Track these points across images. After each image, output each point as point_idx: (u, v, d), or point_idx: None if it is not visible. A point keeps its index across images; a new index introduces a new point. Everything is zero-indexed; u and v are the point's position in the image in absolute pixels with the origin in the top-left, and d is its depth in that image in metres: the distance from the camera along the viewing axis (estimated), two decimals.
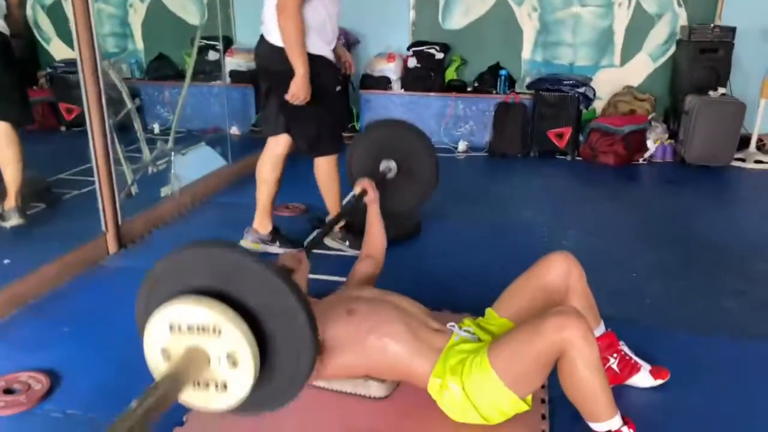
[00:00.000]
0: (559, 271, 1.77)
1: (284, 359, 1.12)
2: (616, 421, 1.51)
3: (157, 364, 1.12)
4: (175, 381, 1.04)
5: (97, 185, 2.89)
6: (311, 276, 2.05)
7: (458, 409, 1.63)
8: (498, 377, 1.54)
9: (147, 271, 1.18)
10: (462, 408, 1.62)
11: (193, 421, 1.75)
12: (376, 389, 1.81)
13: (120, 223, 3.02)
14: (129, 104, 3.30)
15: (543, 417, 1.75)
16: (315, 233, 1.70)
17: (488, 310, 1.84)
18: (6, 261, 2.76)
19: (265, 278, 1.07)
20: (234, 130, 5.55)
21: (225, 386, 1.08)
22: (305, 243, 1.65)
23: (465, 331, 1.72)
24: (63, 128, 5.37)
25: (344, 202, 2.74)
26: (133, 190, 3.28)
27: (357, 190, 2.12)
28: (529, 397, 1.64)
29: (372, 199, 2.15)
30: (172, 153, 3.55)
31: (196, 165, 3.73)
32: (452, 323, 1.75)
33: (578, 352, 1.42)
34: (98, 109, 2.84)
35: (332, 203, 2.93)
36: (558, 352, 1.45)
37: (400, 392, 1.83)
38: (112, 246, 2.99)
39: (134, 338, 2.07)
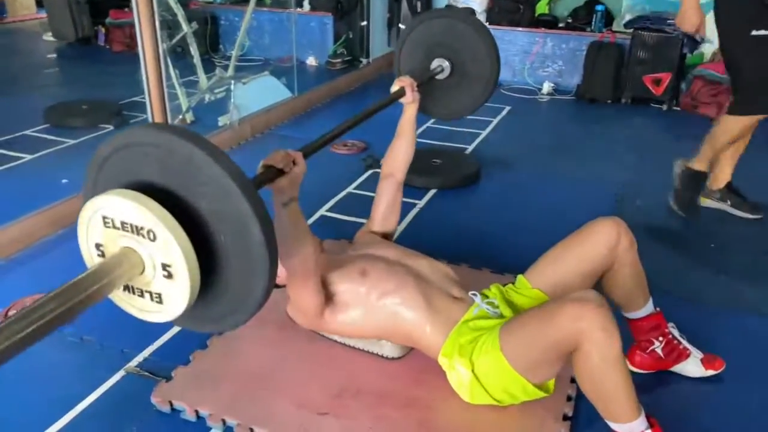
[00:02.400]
0: (605, 240, 1.60)
1: (234, 278, 1.00)
2: (638, 424, 1.36)
3: (92, 259, 1.03)
4: (102, 279, 0.93)
5: (149, 110, 2.88)
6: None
7: (467, 391, 1.55)
8: (508, 363, 1.44)
9: (96, 150, 1.05)
10: (471, 390, 1.54)
11: (197, 362, 1.78)
12: (389, 349, 1.76)
13: None
14: (185, 28, 3.20)
15: (568, 398, 1.63)
16: (323, 135, 1.63)
17: (520, 278, 1.70)
18: (64, 181, 2.85)
19: (219, 179, 0.93)
20: (311, 61, 5.44)
21: (160, 298, 0.98)
22: (306, 145, 1.45)
23: (487, 303, 1.61)
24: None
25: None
26: (188, 117, 3.25)
27: (395, 87, 1.90)
28: (551, 382, 1.52)
29: (409, 101, 1.92)
30: (232, 81, 3.48)
31: (257, 95, 3.65)
32: (474, 292, 1.64)
33: (594, 345, 1.29)
34: (151, 32, 2.80)
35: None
36: (573, 344, 1.32)
37: (414, 355, 1.75)
38: None
39: None
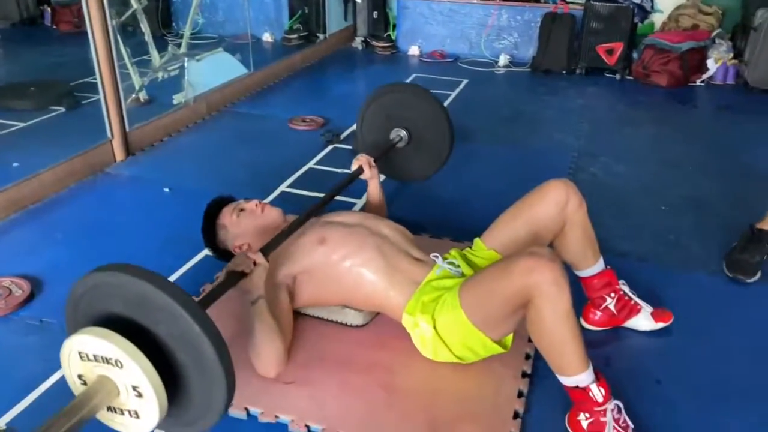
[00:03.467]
0: (554, 200, 1.65)
1: (197, 389, 1.14)
2: (585, 377, 1.39)
3: (77, 387, 1.19)
4: (86, 405, 1.10)
5: (100, 90, 2.81)
6: None
7: (429, 348, 1.58)
8: (467, 318, 1.47)
9: (70, 290, 1.20)
10: (433, 347, 1.57)
11: None
12: (352, 317, 1.77)
13: (127, 129, 2.96)
14: (135, 4, 3.13)
15: (527, 357, 1.69)
16: (280, 234, 1.64)
17: (477, 241, 1.74)
18: (15, 164, 2.77)
19: (169, 307, 1.07)
20: (267, 37, 5.37)
21: (137, 414, 1.13)
22: (266, 244, 1.59)
23: (449, 263, 1.63)
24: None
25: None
26: (142, 96, 3.21)
27: (354, 166, 2.02)
28: (509, 338, 1.57)
29: (368, 177, 2.03)
30: (186, 59, 3.43)
31: (212, 72, 3.60)
32: (436, 254, 1.67)
33: (546, 299, 1.32)
34: (99, 10, 2.72)
35: None
36: (526, 297, 1.35)
37: (378, 321, 1.79)
38: (119, 153, 2.96)
39: (125, 248, 2.17)
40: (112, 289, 1.11)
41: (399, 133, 2.38)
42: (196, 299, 1.22)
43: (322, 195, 2.21)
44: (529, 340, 1.69)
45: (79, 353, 1.12)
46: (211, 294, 1.35)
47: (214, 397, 1.13)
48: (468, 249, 1.74)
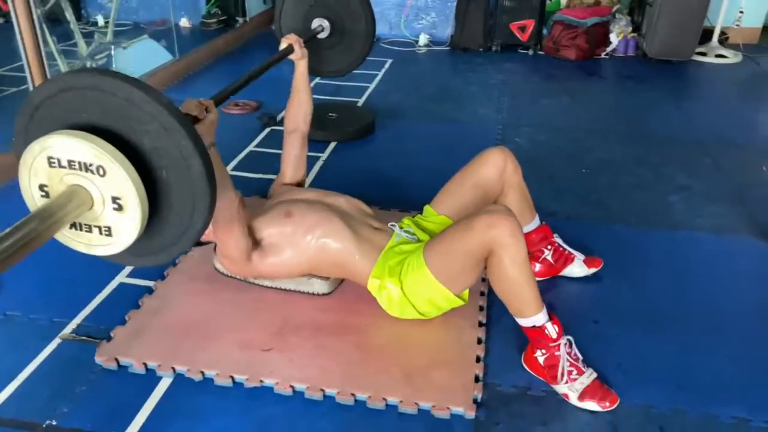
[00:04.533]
0: (494, 166, 1.78)
1: (177, 210, 1.05)
2: (541, 317, 1.53)
3: (35, 202, 1.04)
4: (49, 218, 0.95)
5: (29, 81, 2.72)
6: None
7: (396, 307, 1.66)
8: (432, 275, 1.56)
9: (26, 98, 1.05)
10: (400, 306, 1.65)
11: (133, 320, 1.79)
12: (319, 286, 1.83)
13: None
14: None
15: (480, 308, 1.81)
16: (228, 86, 1.61)
17: (427, 208, 1.84)
18: None
19: (159, 117, 0.97)
20: (184, 22, 5.26)
21: (109, 231, 1.01)
22: (215, 95, 1.51)
23: (405, 231, 1.73)
24: (1, 20, 4.97)
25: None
26: None
27: (283, 45, 1.99)
28: (466, 292, 1.67)
29: (299, 57, 2.00)
30: (113, 47, 3.38)
31: (139, 59, 3.56)
32: (393, 223, 1.77)
33: (505, 249, 1.43)
34: None
35: None
36: (487, 250, 1.46)
37: (343, 288, 1.87)
38: None
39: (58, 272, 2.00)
40: (89, 94, 0.97)
41: (321, 23, 2.35)
42: None
43: (269, 176, 2.27)
44: (482, 294, 1.85)
45: (49, 159, 0.96)
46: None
47: (193, 221, 1.05)
48: (419, 216, 1.84)
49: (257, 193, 2.41)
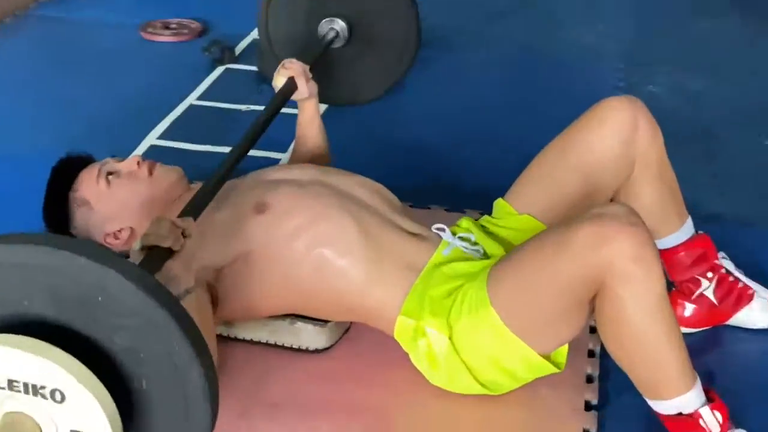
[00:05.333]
0: (617, 131, 1.35)
1: (164, 422, 0.90)
2: (692, 399, 1.14)
3: None
4: None
5: None
6: None
7: (442, 372, 1.29)
8: (501, 321, 1.21)
9: None
10: (448, 370, 1.28)
11: None
12: (310, 336, 1.44)
13: None
14: None
15: (588, 380, 1.39)
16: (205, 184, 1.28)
17: (499, 202, 1.47)
18: None
19: (143, 310, 0.82)
20: None
21: None
22: (187, 205, 1.22)
23: (461, 239, 1.38)
24: None
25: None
26: None
27: (278, 80, 1.63)
28: (562, 351, 1.28)
29: (305, 94, 1.64)
30: None
31: None
32: (441, 225, 1.40)
33: (626, 282, 1.09)
34: None
35: None
36: (596, 282, 1.12)
37: (350, 338, 1.50)
38: None
39: None
40: (37, 277, 0.84)
41: (333, 26, 1.99)
42: None
43: (221, 149, 1.85)
44: (591, 355, 1.43)
45: None
46: None
47: None
48: (486, 217, 1.49)
49: (196, 173, 1.79)
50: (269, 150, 1.90)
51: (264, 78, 2.12)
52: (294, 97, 1.61)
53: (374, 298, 1.30)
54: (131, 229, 1.38)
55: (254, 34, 2.51)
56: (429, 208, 1.74)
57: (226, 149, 1.83)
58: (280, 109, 1.56)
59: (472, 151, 2.03)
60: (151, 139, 2.04)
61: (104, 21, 2.76)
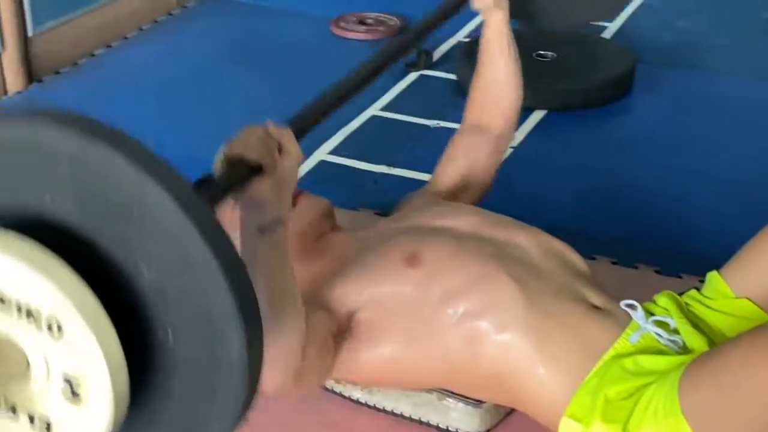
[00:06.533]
0: None
1: (179, 405, 0.79)
2: None
3: None
4: None
5: None
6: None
7: None
8: None
9: None
10: None
11: None
12: (459, 417, 1.33)
13: (30, 34, 2.12)
14: None
15: None
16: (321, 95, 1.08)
17: (713, 277, 1.27)
18: None
19: (184, 239, 0.69)
20: None
21: (48, 428, 0.75)
22: (291, 117, 1.01)
23: (656, 323, 1.18)
24: None
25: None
26: None
27: None
28: None
29: (488, 4, 1.37)
30: None
31: None
32: (631, 301, 1.20)
33: None
34: None
35: None
36: None
37: (509, 424, 1.38)
38: (13, 77, 2.10)
39: None
40: (62, 168, 0.70)
41: None
42: None
43: (403, 174, 1.76)
44: None
45: None
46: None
47: (215, 410, 0.78)
48: (694, 292, 1.30)
49: (374, 204, 1.73)
50: (413, 170, 1.78)
51: (463, 89, 2.04)
52: (474, 5, 1.38)
53: (536, 384, 1.20)
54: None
55: (458, 36, 2.41)
56: (636, 268, 1.58)
57: (404, 172, 1.75)
58: (453, 13, 1.35)
59: (704, 198, 1.80)
60: (323, 153, 1.87)
61: (295, 11, 2.67)
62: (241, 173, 0.92)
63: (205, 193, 0.87)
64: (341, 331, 1.21)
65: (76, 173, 0.69)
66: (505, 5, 1.40)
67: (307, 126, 1.06)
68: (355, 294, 1.22)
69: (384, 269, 1.22)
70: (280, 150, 0.96)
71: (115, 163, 0.67)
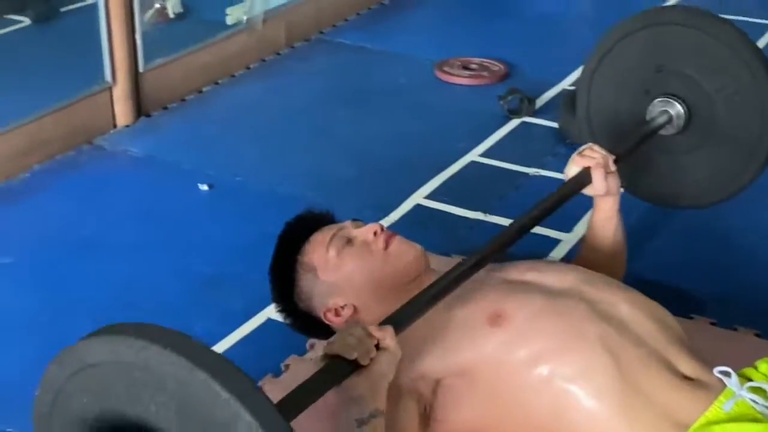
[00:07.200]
0: None
1: None
2: None
3: None
4: None
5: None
6: None
7: None
8: None
9: (38, 389, 0.81)
10: None
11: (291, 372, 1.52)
12: None
13: (141, 69, 2.16)
14: None
15: None
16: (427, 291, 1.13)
17: None
18: None
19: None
20: None
21: None
22: (391, 314, 1.08)
23: (752, 391, 1.15)
24: None
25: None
26: (171, 7, 2.41)
27: (571, 169, 1.43)
28: None
29: (601, 190, 1.42)
30: None
31: None
32: (725, 368, 1.18)
33: None
34: None
35: None
36: None
37: None
38: (123, 112, 2.15)
39: (125, 292, 1.67)
40: (161, 383, 0.78)
41: (666, 108, 1.71)
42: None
43: (499, 221, 1.82)
44: None
45: None
46: (292, 400, 0.93)
47: None
48: None
49: (467, 251, 1.61)
50: (509, 217, 1.70)
51: (564, 137, 2.02)
52: (587, 191, 1.43)
53: None
54: (354, 308, 1.33)
55: (562, 84, 2.41)
56: (734, 329, 1.56)
57: (499, 220, 1.75)
58: (563, 202, 1.42)
59: None
60: (419, 197, 1.88)
61: (400, 53, 2.73)
62: (339, 371, 0.97)
63: (296, 401, 0.91)
64: (426, 404, 1.23)
65: (179, 392, 0.76)
66: (617, 191, 1.46)
67: (404, 321, 1.11)
68: (440, 363, 1.23)
69: (469, 329, 1.23)
70: (378, 346, 1.01)
71: (212, 390, 0.74)
